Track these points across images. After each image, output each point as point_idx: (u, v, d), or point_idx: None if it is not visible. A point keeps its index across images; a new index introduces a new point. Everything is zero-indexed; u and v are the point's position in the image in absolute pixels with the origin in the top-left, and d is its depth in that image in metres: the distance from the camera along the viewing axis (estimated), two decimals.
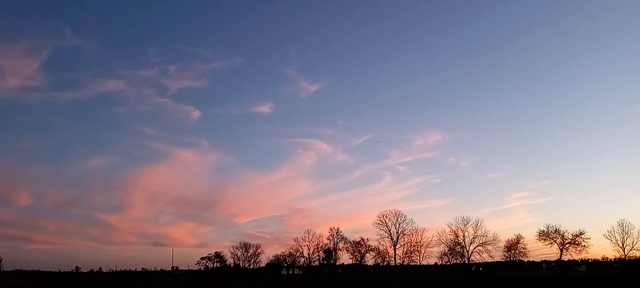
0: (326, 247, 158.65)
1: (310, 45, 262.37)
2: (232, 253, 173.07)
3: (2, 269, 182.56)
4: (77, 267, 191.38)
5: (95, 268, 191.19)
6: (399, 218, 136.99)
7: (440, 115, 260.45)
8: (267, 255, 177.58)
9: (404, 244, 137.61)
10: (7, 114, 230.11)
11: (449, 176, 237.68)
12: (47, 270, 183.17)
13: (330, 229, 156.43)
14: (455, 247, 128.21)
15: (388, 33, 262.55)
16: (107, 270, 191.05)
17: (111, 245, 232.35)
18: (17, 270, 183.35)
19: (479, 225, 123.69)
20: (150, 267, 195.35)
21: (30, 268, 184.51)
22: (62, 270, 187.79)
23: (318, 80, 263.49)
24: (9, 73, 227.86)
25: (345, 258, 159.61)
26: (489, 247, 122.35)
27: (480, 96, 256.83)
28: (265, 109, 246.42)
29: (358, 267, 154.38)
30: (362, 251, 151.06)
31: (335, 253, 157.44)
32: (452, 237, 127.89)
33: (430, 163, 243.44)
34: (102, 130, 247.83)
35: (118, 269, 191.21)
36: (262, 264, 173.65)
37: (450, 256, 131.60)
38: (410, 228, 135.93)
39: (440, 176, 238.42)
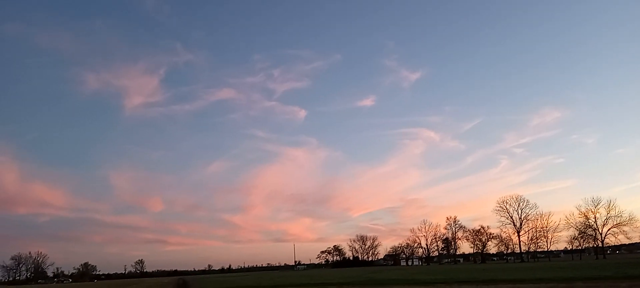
0: (444, 236, 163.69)
1: (409, 34, 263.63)
2: (350, 246, 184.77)
3: (144, 270, 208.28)
4: (209, 265, 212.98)
5: (225, 266, 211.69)
6: (521, 204, 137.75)
7: (557, 91, 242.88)
8: (384, 246, 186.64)
9: (528, 230, 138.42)
10: (135, 128, 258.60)
11: (573, 155, 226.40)
12: (183, 269, 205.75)
13: (447, 218, 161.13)
14: (587, 230, 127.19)
15: (490, 8, 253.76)
16: (236, 266, 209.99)
17: (237, 243, 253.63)
18: (157, 270, 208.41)
19: (611, 205, 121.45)
20: (274, 262, 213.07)
21: (168, 268, 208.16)
22: (196, 269, 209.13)
23: (419, 67, 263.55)
24: (133, 92, 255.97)
25: (465, 247, 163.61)
26: (626, 228, 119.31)
27: (600, 66, 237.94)
28: (368, 102, 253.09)
29: (480, 256, 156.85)
30: (483, 239, 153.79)
31: (455, 242, 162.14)
32: (582, 219, 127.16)
33: (551, 143, 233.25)
34: (219, 136, 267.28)
35: (246, 265, 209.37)
36: (380, 256, 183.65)
37: (581, 240, 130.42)
38: (534, 213, 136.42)
39: (562, 156, 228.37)
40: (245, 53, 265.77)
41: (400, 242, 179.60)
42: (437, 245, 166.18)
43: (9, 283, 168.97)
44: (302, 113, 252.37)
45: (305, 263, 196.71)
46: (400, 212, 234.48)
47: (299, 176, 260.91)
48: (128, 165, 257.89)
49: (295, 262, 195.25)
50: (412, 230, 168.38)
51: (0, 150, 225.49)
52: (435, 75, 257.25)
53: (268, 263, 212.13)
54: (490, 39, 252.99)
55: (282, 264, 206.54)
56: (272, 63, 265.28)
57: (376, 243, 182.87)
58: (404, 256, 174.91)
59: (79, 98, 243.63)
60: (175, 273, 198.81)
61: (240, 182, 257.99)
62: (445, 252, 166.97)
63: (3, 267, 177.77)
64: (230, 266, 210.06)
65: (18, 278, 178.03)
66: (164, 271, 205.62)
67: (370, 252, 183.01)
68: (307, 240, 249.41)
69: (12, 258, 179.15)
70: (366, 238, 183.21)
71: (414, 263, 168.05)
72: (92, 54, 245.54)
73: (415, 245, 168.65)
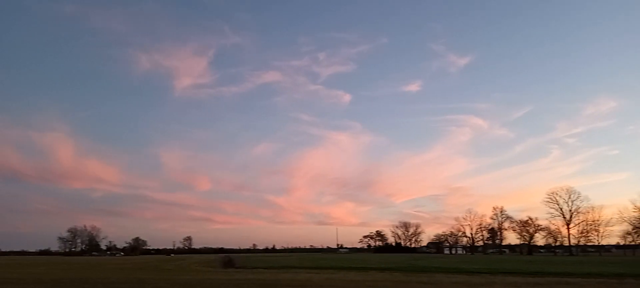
0: (490, 226, 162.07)
1: (458, 18, 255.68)
2: (392, 232, 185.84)
3: (192, 246, 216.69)
4: (254, 245, 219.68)
5: (270, 246, 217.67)
6: (572, 195, 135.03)
7: (613, 79, 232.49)
8: (428, 234, 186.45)
9: (578, 223, 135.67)
10: (184, 109, 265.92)
11: (629, 147, 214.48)
12: (229, 247, 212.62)
13: (494, 208, 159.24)
14: None
15: None
16: (280, 247, 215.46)
17: (281, 224, 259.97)
18: (204, 247, 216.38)
19: None
20: (317, 244, 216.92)
21: (214, 246, 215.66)
22: (241, 247, 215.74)
23: (468, 52, 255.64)
24: (183, 73, 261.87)
25: (511, 238, 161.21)
26: None
27: None
28: (414, 87, 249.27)
29: (526, 247, 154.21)
30: (531, 230, 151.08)
31: (500, 232, 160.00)
32: (636, 214, 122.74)
33: (605, 134, 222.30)
34: (264, 119, 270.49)
35: (289, 246, 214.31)
36: (423, 243, 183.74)
37: (635, 235, 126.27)
38: (585, 205, 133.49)
39: (617, 147, 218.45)
40: (291, 36, 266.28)
41: (444, 230, 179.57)
42: (482, 235, 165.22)
43: (65, 254, 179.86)
44: (347, 97, 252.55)
45: (348, 246, 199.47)
46: (445, 200, 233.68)
47: (343, 160, 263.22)
48: (177, 144, 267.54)
49: (337, 245, 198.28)
50: (456, 219, 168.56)
51: (57, 126, 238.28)
52: (484, 60, 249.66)
53: (311, 245, 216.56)
54: (542, 25, 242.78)
55: (325, 247, 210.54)
56: (318, 46, 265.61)
57: (419, 230, 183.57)
58: (447, 244, 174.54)
59: (131, 77, 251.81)
60: (221, 250, 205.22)
61: (284, 164, 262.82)
62: (490, 242, 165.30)
63: (60, 238, 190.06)
64: (274, 246, 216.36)
65: (74, 249, 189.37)
66: (210, 248, 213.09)
67: (413, 239, 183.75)
68: (350, 224, 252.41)
69: (68, 231, 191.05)
70: (409, 225, 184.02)
71: (458, 252, 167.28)
72: (143, 35, 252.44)
73: (460, 234, 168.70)
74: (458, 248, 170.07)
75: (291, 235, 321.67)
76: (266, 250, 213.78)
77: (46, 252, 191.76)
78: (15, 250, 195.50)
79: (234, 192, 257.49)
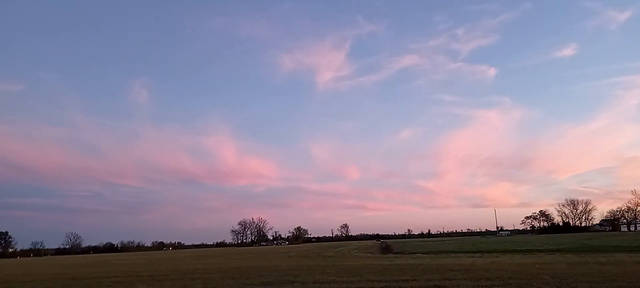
0: None
1: None
2: (558, 211, 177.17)
3: (349, 233, 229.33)
4: (408, 230, 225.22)
5: (424, 231, 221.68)
6: None
7: None
8: (600, 211, 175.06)
9: None
10: (328, 102, 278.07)
11: None
12: (384, 233, 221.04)
13: None
14: None
15: None
16: (435, 231, 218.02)
17: (433, 208, 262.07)
18: (360, 233, 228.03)
19: None
20: (474, 227, 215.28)
21: (370, 232, 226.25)
22: (396, 233, 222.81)
23: (629, 5, 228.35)
24: (323, 68, 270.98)
25: None
26: None
27: None
28: (568, 52, 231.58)
29: None
30: None
31: None
32: None
33: None
34: (406, 104, 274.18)
35: (445, 231, 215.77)
36: (595, 221, 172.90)
37: None
38: None
39: None
40: (426, 15, 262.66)
41: (619, 205, 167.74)
42: None
43: (237, 245, 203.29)
44: (492, 71, 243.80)
45: (508, 229, 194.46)
46: (617, 173, 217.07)
47: (493, 139, 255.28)
48: (325, 137, 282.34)
49: (497, 227, 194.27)
50: (633, 192, 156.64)
51: (220, 130, 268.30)
52: None
53: (468, 229, 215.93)
54: None
55: (483, 230, 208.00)
56: (455, 22, 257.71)
57: (589, 207, 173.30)
58: (624, 221, 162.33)
59: (278, 78, 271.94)
60: (376, 236, 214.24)
61: (431, 148, 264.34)
62: None
63: (233, 231, 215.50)
64: (429, 231, 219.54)
65: (244, 241, 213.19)
66: (366, 235, 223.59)
67: (583, 217, 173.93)
68: (508, 205, 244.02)
69: (239, 224, 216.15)
70: (577, 202, 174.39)
71: (638, 228, 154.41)
72: (284, 37, 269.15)
73: (639, 208, 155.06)
74: (638, 225, 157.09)
75: (445, 219, 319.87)
76: (421, 235, 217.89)
77: (222, 244, 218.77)
78: (196, 243, 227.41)
79: (383, 179, 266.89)
